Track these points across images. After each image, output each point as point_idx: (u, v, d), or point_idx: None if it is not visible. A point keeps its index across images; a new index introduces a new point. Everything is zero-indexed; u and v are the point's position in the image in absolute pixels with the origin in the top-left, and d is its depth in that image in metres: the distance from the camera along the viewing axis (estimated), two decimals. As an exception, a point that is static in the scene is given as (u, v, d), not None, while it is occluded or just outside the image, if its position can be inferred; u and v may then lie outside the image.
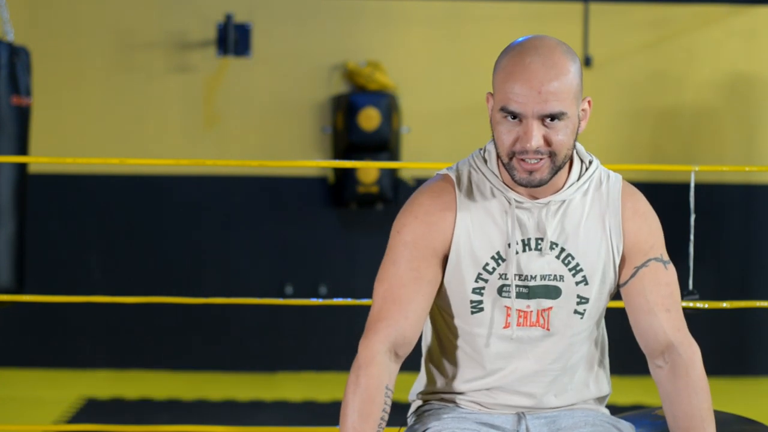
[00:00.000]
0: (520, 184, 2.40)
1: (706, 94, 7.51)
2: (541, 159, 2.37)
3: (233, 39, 7.22)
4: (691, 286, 3.91)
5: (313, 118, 7.46)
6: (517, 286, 2.44)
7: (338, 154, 7.34)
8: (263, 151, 7.38)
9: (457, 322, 2.50)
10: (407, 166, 4.09)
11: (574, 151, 2.50)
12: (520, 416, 2.51)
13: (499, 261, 2.44)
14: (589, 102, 2.47)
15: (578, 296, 2.47)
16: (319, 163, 3.91)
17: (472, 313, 2.47)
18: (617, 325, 8.07)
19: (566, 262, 2.46)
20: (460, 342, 2.52)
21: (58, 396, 6.58)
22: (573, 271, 2.46)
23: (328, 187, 7.45)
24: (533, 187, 2.40)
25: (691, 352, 2.58)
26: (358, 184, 7.27)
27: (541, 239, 2.45)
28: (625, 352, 7.38)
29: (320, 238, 7.48)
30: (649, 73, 7.51)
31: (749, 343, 7.57)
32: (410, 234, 2.45)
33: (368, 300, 4.08)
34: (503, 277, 2.44)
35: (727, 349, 7.54)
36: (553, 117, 2.34)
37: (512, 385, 2.50)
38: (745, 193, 7.54)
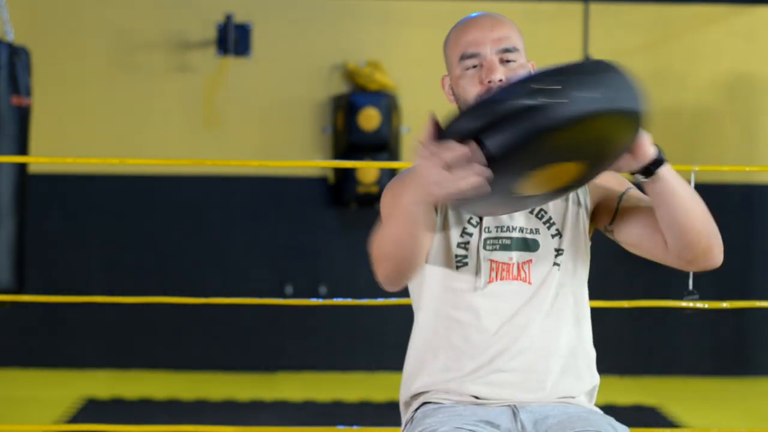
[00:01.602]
0: None
1: (706, 94, 7.51)
2: None
3: (233, 39, 7.23)
4: (691, 286, 3.91)
5: (313, 118, 7.46)
6: (498, 237, 2.54)
7: (338, 154, 7.34)
8: (263, 151, 7.38)
9: (442, 282, 2.55)
10: (407, 166, 4.08)
11: None
12: (514, 411, 2.51)
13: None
14: (532, 65, 2.59)
15: (555, 249, 2.55)
16: (319, 163, 3.91)
17: (457, 267, 2.53)
18: (617, 325, 8.09)
19: (540, 216, 2.56)
20: (446, 309, 2.55)
21: (58, 396, 6.58)
22: (547, 224, 2.56)
23: (328, 187, 7.45)
24: None
25: None
26: (358, 184, 7.27)
27: None
28: (625, 352, 7.40)
29: (320, 238, 7.48)
30: (649, 73, 7.51)
31: (749, 343, 7.57)
32: (398, 189, 2.54)
33: (368, 300, 4.08)
34: (486, 230, 2.53)
35: (727, 349, 7.54)
36: (508, 52, 2.51)
37: (503, 351, 2.51)
38: (745, 193, 7.54)
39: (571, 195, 2.57)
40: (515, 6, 7.41)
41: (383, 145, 7.28)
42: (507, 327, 2.52)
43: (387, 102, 7.28)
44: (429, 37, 7.46)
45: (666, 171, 2.37)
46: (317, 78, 7.45)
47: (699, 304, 3.85)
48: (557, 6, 7.42)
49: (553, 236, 2.55)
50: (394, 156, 7.31)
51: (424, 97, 7.45)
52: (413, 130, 7.43)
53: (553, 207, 2.56)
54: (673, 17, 7.49)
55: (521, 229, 2.54)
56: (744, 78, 7.52)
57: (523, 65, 2.53)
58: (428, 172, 2.18)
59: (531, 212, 2.55)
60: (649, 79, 7.51)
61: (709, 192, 8.07)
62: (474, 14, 2.58)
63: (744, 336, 7.57)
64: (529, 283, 2.53)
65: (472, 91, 2.55)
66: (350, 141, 7.27)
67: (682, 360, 7.47)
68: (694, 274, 3.99)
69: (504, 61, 2.52)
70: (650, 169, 2.35)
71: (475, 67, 2.54)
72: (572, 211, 2.57)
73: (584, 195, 2.58)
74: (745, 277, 7.53)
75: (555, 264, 2.54)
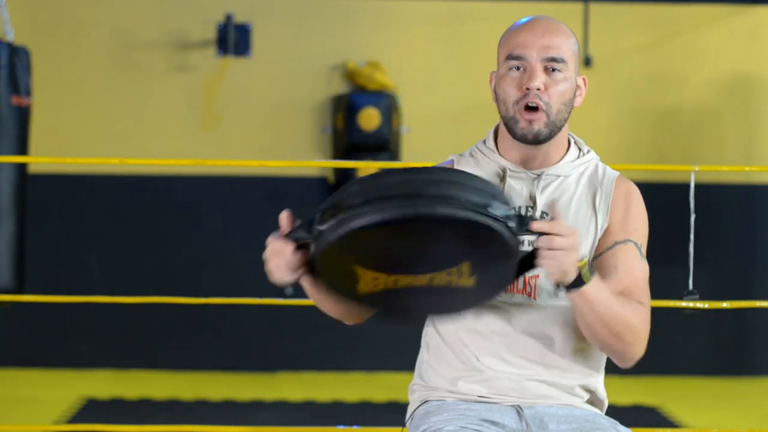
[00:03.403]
0: (521, 138, 2.50)
1: (706, 94, 7.51)
2: (540, 110, 2.48)
3: (233, 39, 7.22)
4: (691, 286, 3.91)
5: (313, 118, 7.46)
6: None
7: (338, 154, 7.34)
8: (263, 151, 7.38)
9: None
10: (407, 167, 4.09)
11: (573, 140, 2.61)
12: (519, 411, 2.51)
13: None
14: (584, 80, 2.58)
15: None
16: (319, 163, 3.91)
17: None
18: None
19: None
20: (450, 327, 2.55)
21: (58, 396, 6.58)
22: None
23: (328, 187, 7.45)
24: (531, 141, 2.50)
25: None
26: (358, 184, 7.26)
27: (532, 207, 2.51)
28: (625, 352, 7.40)
29: (320, 238, 7.47)
30: (649, 73, 7.51)
31: (749, 343, 7.57)
32: None
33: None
34: None
35: (727, 349, 7.54)
36: (554, 61, 2.48)
37: (503, 362, 2.52)
38: (745, 193, 7.54)
39: (593, 220, 2.52)
40: (515, 6, 7.41)
41: (383, 145, 7.28)
42: (510, 337, 2.51)
43: (387, 102, 7.28)
44: (429, 37, 7.46)
45: (580, 295, 2.35)
46: (317, 78, 7.45)
47: (699, 304, 3.85)
48: (557, 6, 7.41)
49: None
50: (394, 156, 7.31)
51: (424, 97, 7.46)
52: (413, 130, 7.43)
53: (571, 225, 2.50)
54: (673, 17, 7.49)
55: (531, 243, 2.45)
56: (744, 78, 7.52)
57: (568, 78, 2.50)
58: (265, 261, 2.34)
59: None
60: (648, 79, 7.53)
61: (709, 192, 8.08)
62: (532, 17, 2.56)
63: (744, 336, 7.57)
64: (534, 297, 2.50)
65: (511, 93, 2.50)
66: (350, 141, 7.26)
67: (682, 360, 7.47)
68: (694, 274, 3.99)
69: (549, 70, 2.49)
70: (564, 287, 2.35)
71: (518, 69, 2.50)
72: (591, 237, 2.52)
73: (604, 219, 2.53)
74: (745, 277, 7.53)
75: None
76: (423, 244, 2.23)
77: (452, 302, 2.32)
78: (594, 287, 2.36)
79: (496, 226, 2.20)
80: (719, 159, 7.44)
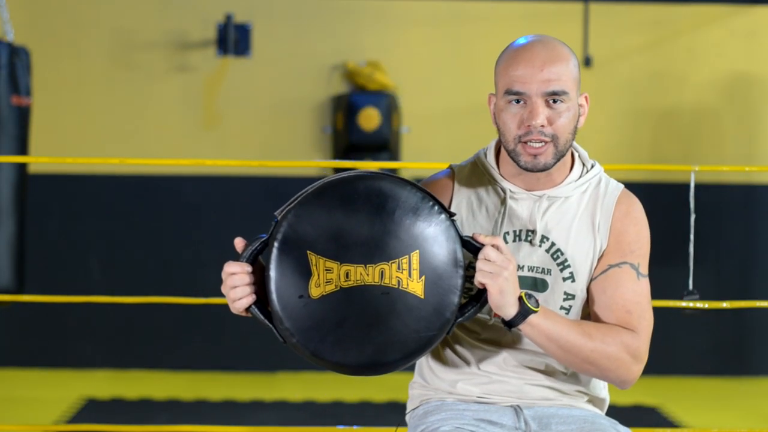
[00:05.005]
0: (526, 169, 2.46)
1: (706, 94, 7.51)
2: (545, 143, 2.44)
3: (233, 39, 7.22)
4: (691, 286, 3.91)
5: (313, 118, 7.46)
6: None
7: (338, 154, 7.34)
8: (263, 151, 7.38)
9: None
10: (407, 166, 4.08)
11: (577, 155, 2.57)
12: (517, 411, 2.51)
13: None
14: (586, 98, 2.53)
15: (565, 292, 2.50)
16: (319, 163, 3.91)
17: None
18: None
19: (555, 256, 2.49)
20: (453, 334, 2.54)
21: (58, 396, 6.58)
22: (561, 267, 2.49)
23: (328, 187, 7.44)
24: (538, 171, 2.46)
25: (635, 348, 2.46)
26: (358, 184, 7.26)
27: (532, 232, 2.49)
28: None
29: (320, 238, 7.46)
30: (649, 73, 7.51)
31: (749, 343, 7.57)
32: None
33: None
34: None
35: (727, 349, 7.54)
36: (556, 95, 2.42)
37: (504, 370, 2.52)
38: (745, 193, 7.54)
39: (593, 242, 2.50)
40: (515, 6, 7.41)
41: (383, 145, 7.28)
42: (512, 352, 2.52)
43: (387, 102, 7.28)
44: (429, 37, 7.46)
45: (530, 326, 2.37)
46: (317, 78, 7.45)
47: (699, 304, 3.85)
48: (557, 6, 7.42)
49: (564, 279, 2.49)
50: (394, 156, 7.32)
51: (424, 97, 7.46)
52: (413, 130, 7.43)
53: (572, 250, 2.49)
54: (673, 17, 7.49)
55: (531, 268, 2.48)
56: (744, 78, 7.52)
57: (571, 107, 2.44)
58: (224, 290, 2.38)
59: (547, 251, 2.49)
60: (648, 79, 7.53)
61: (709, 192, 8.08)
62: (530, 39, 2.47)
63: (744, 336, 7.57)
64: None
65: (511, 128, 2.45)
66: (350, 141, 7.27)
67: (682, 360, 7.47)
68: (694, 274, 3.99)
69: (550, 102, 2.43)
70: (510, 322, 2.37)
71: (519, 102, 2.44)
72: (591, 258, 2.50)
73: (603, 240, 2.51)
74: (745, 277, 7.53)
75: (562, 308, 2.49)
76: (372, 223, 2.35)
77: (404, 321, 2.32)
78: (541, 318, 2.36)
79: (437, 203, 2.34)
80: (719, 159, 7.44)
